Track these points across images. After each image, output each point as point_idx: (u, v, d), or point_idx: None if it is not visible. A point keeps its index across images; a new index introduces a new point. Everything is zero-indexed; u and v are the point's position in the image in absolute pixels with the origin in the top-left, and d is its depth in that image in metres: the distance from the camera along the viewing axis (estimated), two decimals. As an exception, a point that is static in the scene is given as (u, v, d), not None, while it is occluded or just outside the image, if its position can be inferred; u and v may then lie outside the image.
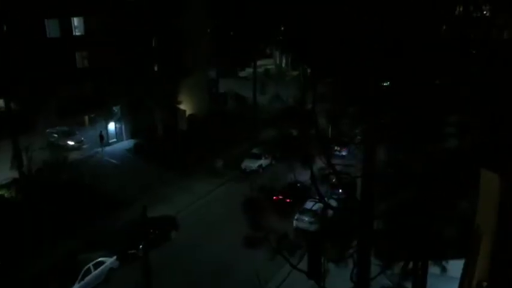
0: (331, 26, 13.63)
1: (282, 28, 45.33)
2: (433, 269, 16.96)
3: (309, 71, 21.04)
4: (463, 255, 16.10)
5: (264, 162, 40.16)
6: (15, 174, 32.66)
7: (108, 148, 43.06)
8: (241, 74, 69.31)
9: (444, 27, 17.28)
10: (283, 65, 73.61)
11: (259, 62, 62.31)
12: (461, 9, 18.68)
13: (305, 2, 14.30)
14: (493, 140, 12.08)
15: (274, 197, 18.42)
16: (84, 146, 41.90)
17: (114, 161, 40.64)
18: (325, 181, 14.93)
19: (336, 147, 18.78)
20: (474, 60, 17.11)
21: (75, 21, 41.22)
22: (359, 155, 16.51)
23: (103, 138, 41.84)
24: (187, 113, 48.39)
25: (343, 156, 18.07)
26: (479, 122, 17.86)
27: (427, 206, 16.45)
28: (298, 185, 19.49)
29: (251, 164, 39.76)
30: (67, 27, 40.29)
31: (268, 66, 72.07)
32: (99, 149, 41.90)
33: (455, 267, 16.06)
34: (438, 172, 17.56)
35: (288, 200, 18.82)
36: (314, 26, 13.77)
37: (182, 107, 46.77)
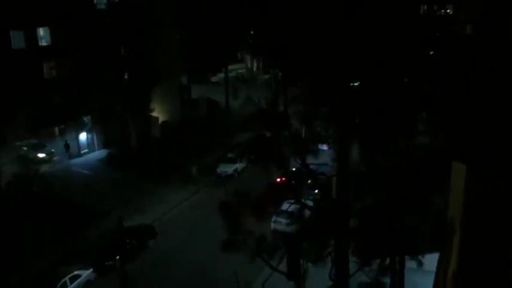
0: (300, 30, 13.80)
1: (252, 32, 45.56)
2: (410, 264, 17.29)
3: (280, 74, 21.22)
4: (438, 249, 16.50)
5: (239, 166, 40.15)
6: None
7: (80, 159, 42.30)
8: (213, 79, 69.23)
9: (410, 26, 17.68)
10: (255, 69, 73.84)
11: (230, 67, 62.35)
12: (425, 8, 19.19)
13: (274, 8, 14.46)
14: (461, 135, 12.40)
15: (279, 179, 18.26)
16: (55, 158, 41.06)
17: (86, 171, 39.94)
18: (301, 181, 15.07)
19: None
20: (439, 58, 17.57)
21: (41, 31, 40.44)
22: (333, 155, 16.74)
23: (69, 148, 41.18)
24: (160, 120, 48.07)
25: (324, 150, 18.18)
26: (447, 119, 18.33)
27: (401, 202, 16.77)
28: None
29: (226, 169, 39.71)
30: (32, 38, 39.48)
31: (240, 71, 72.21)
32: (68, 160, 41.18)
33: (431, 261, 16.43)
34: (411, 169, 17.93)
35: (293, 182, 18.64)
36: (283, 30, 13.93)
37: (155, 114, 46.43)
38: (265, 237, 14.38)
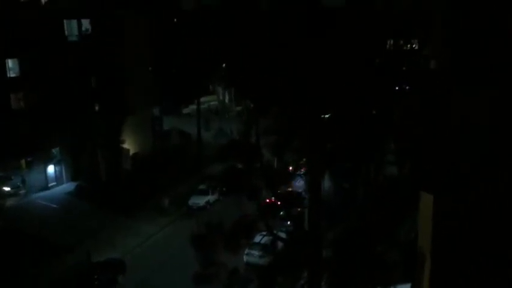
0: (270, 64, 14.10)
1: (223, 65, 46.14)
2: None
3: (251, 105, 21.42)
4: (409, 279, 16.62)
5: (211, 198, 39.81)
6: None
7: (47, 192, 41.17)
8: (185, 110, 69.20)
9: (377, 60, 18.28)
10: (227, 100, 74.29)
11: (202, 99, 62.51)
12: (391, 42, 19.91)
13: (244, 44, 14.75)
14: (429, 165, 12.75)
15: (268, 200, 18.33)
16: (21, 192, 39.85)
17: (54, 205, 38.84)
18: (273, 213, 15.05)
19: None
20: (405, 90, 18.15)
21: (10, 62, 39.89)
22: (304, 184, 16.86)
23: (25, 183, 40.00)
24: (131, 151, 47.48)
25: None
26: (415, 148, 18.81)
27: (372, 232, 16.92)
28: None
29: (198, 201, 39.28)
30: (1, 69, 38.87)
31: (212, 103, 72.51)
32: (34, 193, 40.04)
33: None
34: (381, 198, 18.20)
35: (279, 203, 18.65)
36: (254, 65, 14.19)
37: (125, 146, 45.87)
38: (237, 270, 14.19)
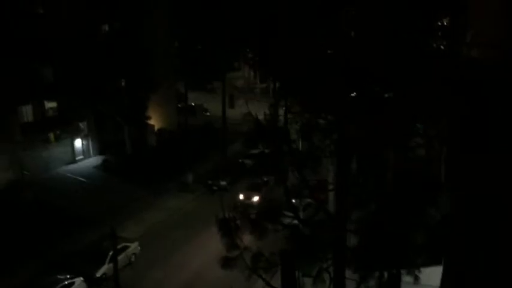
0: (299, 45, 13.73)
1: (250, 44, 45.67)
2: (407, 278, 17.15)
3: (277, 84, 21.10)
4: (434, 263, 16.35)
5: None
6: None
7: (75, 165, 41.98)
8: (210, 86, 69.14)
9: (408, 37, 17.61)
10: (252, 77, 73.91)
11: (227, 75, 62.26)
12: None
13: (271, 24, 14.39)
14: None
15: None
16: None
17: (81, 178, 39.63)
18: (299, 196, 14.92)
19: None
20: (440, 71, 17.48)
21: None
22: (331, 168, 16.61)
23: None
24: (156, 127, 47.86)
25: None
26: (442, 132, 18.28)
27: (397, 215, 16.65)
28: None
29: (219, 181, 39.17)
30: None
31: (237, 79, 72.23)
32: (64, 167, 40.89)
33: (428, 275, 16.32)
34: (407, 181, 17.83)
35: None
36: (281, 44, 13.84)
37: (151, 121, 46.23)
38: (262, 254, 14.17)
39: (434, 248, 16.46)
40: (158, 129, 48.26)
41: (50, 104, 40.55)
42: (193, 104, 58.45)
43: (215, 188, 38.51)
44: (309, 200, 16.36)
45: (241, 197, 32.84)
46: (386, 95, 18.08)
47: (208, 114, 58.14)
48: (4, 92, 34.67)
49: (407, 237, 16.82)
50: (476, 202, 9.49)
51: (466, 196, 9.88)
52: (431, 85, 17.14)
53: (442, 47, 18.48)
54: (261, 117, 15.28)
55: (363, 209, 15.57)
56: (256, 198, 30.00)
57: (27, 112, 39.02)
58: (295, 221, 14.92)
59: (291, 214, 14.85)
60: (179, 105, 54.61)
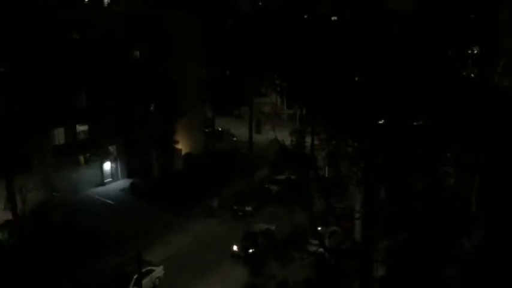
0: (327, 73, 13.81)
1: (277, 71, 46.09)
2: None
3: (305, 111, 21.09)
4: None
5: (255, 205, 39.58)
6: (8, 215, 32.16)
7: (103, 188, 42.65)
8: (237, 112, 69.76)
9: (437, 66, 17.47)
10: (279, 103, 74.23)
11: (254, 100, 62.71)
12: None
13: (300, 52, 14.55)
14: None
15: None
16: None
17: (109, 201, 40.18)
18: (325, 224, 14.73)
19: None
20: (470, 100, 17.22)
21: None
22: (358, 196, 16.38)
23: None
24: (183, 151, 48.37)
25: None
26: (474, 161, 17.85)
27: (428, 245, 16.22)
28: None
29: (244, 207, 39.07)
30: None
31: (264, 105, 72.65)
32: (93, 189, 41.46)
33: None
34: (438, 210, 17.41)
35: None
36: (309, 73, 13.95)
37: (178, 146, 46.81)
38: (287, 282, 13.98)
39: (466, 281, 15.94)
40: (185, 154, 48.75)
41: (81, 127, 41.58)
42: (220, 129, 58.92)
43: (240, 213, 38.46)
44: (334, 228, 16.15)
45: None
46: (415, 123, 17.91)
47: (234, 139, 58.45)
48: (39, 115, 35.78)
49: (437, 269, 16.34)
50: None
51: (500, 227, 9.60)
52: (463, 113, 16.86)
53: (472, 75, 18.24)
54: (287, 143, 15.28)
55: (391, 239, 15.24)
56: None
57: (59, 135, 40.10)
58: (321, 249, 14.69)
59: (316, 242, 14.65)
60: (206, 130, 55.15)
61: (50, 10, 35.97)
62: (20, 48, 34.43)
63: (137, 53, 44.99)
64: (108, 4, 45.80)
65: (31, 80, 35.44)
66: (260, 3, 62.66)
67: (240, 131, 56.86)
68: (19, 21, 34.53)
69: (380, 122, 16.46)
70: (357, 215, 14.98)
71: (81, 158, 42.00)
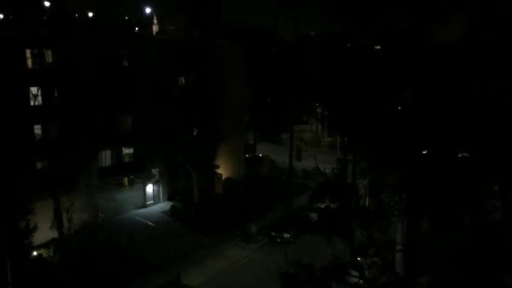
0: (369, 102, 13.87)
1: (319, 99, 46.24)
2: None
3: (345, 139, 21.12)
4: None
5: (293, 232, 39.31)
6: (54, 233, 33.30)
7: (145, 210, 43.55)
8: (278, 138, 70.14)
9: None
10: (319, 131, 74.15)
11: (295, 128, 62.94)
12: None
13: (344, 83, 14.71)
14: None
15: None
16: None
17: (150, 223, 40.94)
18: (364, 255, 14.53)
19: None
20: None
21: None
22: (399, 227, 16.10)
23: None
24: (224, 176, 48.86)
25: None
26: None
27: (472, 282, 15.69)
28: None
29: (281, 234, 38.94)
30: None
31: (304, 132, 72.77)
32: (135, 211, 42.28)
33: None
34: (483, 245, 16.84)
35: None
36: (351, 102, 14.05)
37: (219, 170, 47.37)
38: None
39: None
40: (225, 178, 49.22)
41: (126, 150, 42.89)
42: (260, 155, 59.28)
43: (278, 240, 38.29)
44: (375, 259, 15.89)
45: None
46: (460, 155, 17.57)
47: (275, 165, 58.62)
48: (88, 138, 37.26)
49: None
50: None
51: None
52: (509, 146, 16.43)
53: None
54: (328, 171, 15.30)
55: (434, 273, 14.83)
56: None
57: (105, 156, 41.50)
58: (361, 281, 14.46)
59: (356, 273, 14.44)
60: (247, 156, 55.60)
61: (107, 39, 37.86)
62: (74, 72, 36.21)
63: (182, 79, 46.31)
64: (156, 33, 47.66)
65: (81, 103, 37.06)
66: (312, 33, 63.78)
67: (280, 157, 56.99)
68: (78, 49, 36.49)
69: (424, 152, 16.27)
70: (399, 247, 14.71)
71: (125, 180, 43.14)
